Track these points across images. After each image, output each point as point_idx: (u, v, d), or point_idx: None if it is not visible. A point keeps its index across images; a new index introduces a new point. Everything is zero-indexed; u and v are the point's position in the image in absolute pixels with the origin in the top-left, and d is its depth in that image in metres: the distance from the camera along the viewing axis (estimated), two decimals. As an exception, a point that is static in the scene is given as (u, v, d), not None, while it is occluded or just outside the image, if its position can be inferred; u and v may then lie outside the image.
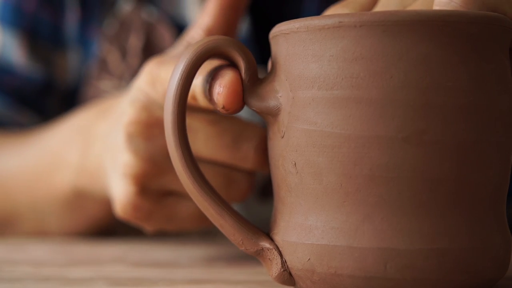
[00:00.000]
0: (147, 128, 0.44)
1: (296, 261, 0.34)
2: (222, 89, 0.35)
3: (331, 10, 0.38)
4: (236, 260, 0.48)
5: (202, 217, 0.45)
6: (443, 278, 0.32)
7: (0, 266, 0.46)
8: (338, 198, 0.32)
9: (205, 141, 0.42)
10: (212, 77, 0.36)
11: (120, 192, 0.45)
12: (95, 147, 0.53)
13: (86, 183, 0.55)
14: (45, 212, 0.61)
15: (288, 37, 0.34)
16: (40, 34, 0.71)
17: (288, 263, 0.35)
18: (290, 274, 0.35)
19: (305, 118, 0.33)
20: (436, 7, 0.34)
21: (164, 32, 0.68)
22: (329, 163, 0.32)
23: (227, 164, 0.44)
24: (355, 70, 0.32)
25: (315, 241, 0.33)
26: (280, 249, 0.35)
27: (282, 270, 0.35)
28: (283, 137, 0.34)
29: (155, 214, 0.45)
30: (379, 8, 0.37)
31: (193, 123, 0.42)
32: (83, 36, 0.70)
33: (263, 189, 0.56)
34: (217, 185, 0.43)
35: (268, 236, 0.36)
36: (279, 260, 0.35)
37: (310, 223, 0.33)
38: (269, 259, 0.36)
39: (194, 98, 0.39)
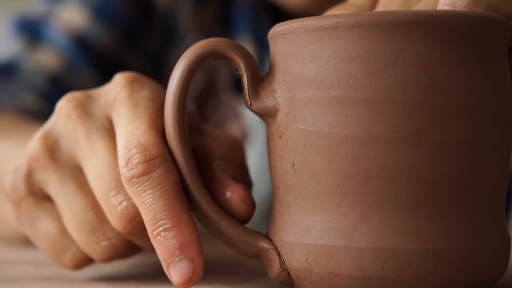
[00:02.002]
0: (66, 117, 0.40)
1: (294, 261, 0.34)
2: (243, 203, 0.36)
3: (331, 12, 0.38)
4: (236, 260, 0.48)
5: (53, 248, 0.41)
6: (440, 278, 0.32)
7: (0, 266, 0.47)
8: (336, 198, 0.32)
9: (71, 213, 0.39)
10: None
11: (16, 168, 0.42)
12: None
13: None
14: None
15: (286, 38, 0.34)
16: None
17: (286, 263, 0.35)
18: (288, 274, 0.35)
19: (303, 118, 0.33)
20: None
21: (224, 74, 0.70)
22: (327, 163, 0.32)
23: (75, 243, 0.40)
24: (352, 70, 0.32)
25: (313, 241, 0.33)
26: (279, 249, 0.35)
27: (280, 270, 0.35)
28: (281, 137, 0.34)
29: (23, 205, 0.41)
30: (379, 9, 0.37)
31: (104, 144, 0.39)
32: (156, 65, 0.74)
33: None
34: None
35: (266, 236, 0.36)
36: (277, 260, 0.35)
37: (308, 223, 0.33)
38: (268, 259, 0.36)
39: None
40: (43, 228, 0.40)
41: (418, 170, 0.31)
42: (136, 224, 0.37)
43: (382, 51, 0.31)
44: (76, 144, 0.39)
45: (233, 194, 0.37)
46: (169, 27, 0.77)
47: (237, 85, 0.75)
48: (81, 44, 0.73)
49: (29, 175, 0.40)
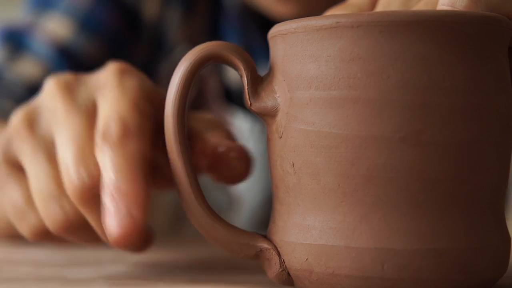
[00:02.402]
0: (52, 95, 0.42)
1: (294, 261, 0.34)
2: (238, 160, 0.37)
3: (330, 12, 0.38)
4: (236, 260, 0.48)
5: (17, 217, 0.42)
6: (440, 278, 0.32)
7: (0, 266, 0.47)
8: (336, 198, 0.32)
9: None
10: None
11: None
12: None
13: None
14: None
15: (286, 38, 0.34)
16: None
17: (287, 263, 0.35)
18: (288, 274, 0.35)
19: (302, 119, 0.33)
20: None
21: (213, 86, 0.70)
22: (327, 163, 0.32)
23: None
24: (352, 70, 0.32)
25: (313, 241, 0.33)
26: (279, 249, 0.35)
27: (280, 270, 0.35)
28: (281, 137, 0.34)
29: None
30: (379, 9, 0.37)
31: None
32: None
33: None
34: None
35: (265, 237, 0.36)
36: (277, 260, 0.35)
37: (308, 223, 0.33)
38: (268, 259, 0.36)
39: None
40: (11, 194, 0.42)
41: (418, 170, 0.31)
42: (90, 197, 0.37)
43: (382, 51, 0.31)
44: (54, 119, 0.40)
45: (227, 150, 0.37)
46: (157, 38, 0.77)
47: (226, 95, 0.75)
48: (64, 54, 0.73)
49: (8, 144, 0.42)
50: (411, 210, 0.32)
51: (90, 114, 0.40)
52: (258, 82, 0.35)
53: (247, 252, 0.36)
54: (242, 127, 0.73)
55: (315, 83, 0.33)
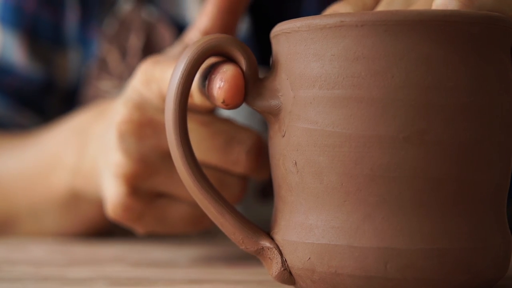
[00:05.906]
0: (139, 128, 0.43)
1: (297, 260, 0.34)
2: (224, 83, 0.34)
3: (333, 8, 0.38)
4: (236, 260, 0.48)
5: (194, 221, 0.44)
6: (443, 278, 0.32)
7: (0, 266, 0.46)
8: (339, 197, 0.32)
9: (197, 142, 0.41)
10: (211, 72, 0.35)
11: (111, 192, 0.44)
12: (91, 148, 0.52)
13: (81, 184, 0.55)
14: (43, 214, 0.61)
15: (289, 36, 0.34)
16: (41, 34, 0.71)
17: (288, 262, 0.35)
18: (290, 273, 0.35)
19: (306, 117, 0.33)
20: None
21: (164, 32, 0.68)
22: (330, 163, 0.32)
23: (218, 167, 0.43)
24: (356, 69, 0.32)
25: (315, 240, 0.33)
26: (281, 248, 0.35)
27: (282, 269, 0.35)
28: (284, 136, 0.34)
29: (146, 216, 0.44)
30: (382, 7, 0.37)
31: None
32: (83, 36, 0.71)
33: (263, 190, 0.56)
34: None
35: (269, 235, 0.36)
36: (279, 259, 0.35)
37: (311, 222, 0.33)
38: (269, 258, 0.35)
39: (190, 95, 0.38)
40: (177, 215, 0.45)
41: (422, 169, 0.31)
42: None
43: (386, 50, 0.31)
44: None
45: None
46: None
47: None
48: None
49: (135, 192, 0.44)
50: (414, 209, 0.32)
51: None
52: (258, 82, 0.35)
53: (249, 245, 0.36)
54: None
55: (319, 82, 0.33)
